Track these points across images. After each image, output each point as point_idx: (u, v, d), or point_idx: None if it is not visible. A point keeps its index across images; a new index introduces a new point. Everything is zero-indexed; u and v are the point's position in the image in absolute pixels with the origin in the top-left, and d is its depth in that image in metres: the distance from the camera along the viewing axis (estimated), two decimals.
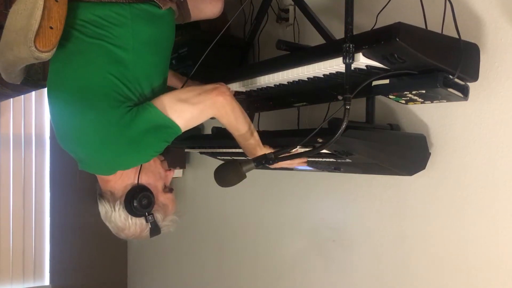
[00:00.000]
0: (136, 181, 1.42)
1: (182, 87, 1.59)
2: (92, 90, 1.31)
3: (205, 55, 1.51)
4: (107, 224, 1.45)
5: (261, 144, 1.48)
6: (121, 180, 1.41)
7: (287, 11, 2.20)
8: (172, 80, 1.75)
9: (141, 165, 1.43)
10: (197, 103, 1.35)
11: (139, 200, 1.39)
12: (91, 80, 1.32)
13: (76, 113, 1.34)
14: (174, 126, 1.32)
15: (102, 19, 1.33)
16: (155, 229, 1.46)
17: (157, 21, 1.41)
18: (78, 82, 1.33)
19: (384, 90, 1.37)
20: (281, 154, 1.37)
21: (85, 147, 1.36)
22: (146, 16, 1.38)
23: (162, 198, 1.47)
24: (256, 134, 1.47)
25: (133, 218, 1.41)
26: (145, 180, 1.43)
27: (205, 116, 1.39)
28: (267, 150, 1.47)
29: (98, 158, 1.37)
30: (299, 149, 1.40)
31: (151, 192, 1.43)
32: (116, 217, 1.41)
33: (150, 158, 1.40)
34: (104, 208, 1.43)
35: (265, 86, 1.67)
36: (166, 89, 1.47)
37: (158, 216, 1.45)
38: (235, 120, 1.42)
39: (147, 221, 1.43)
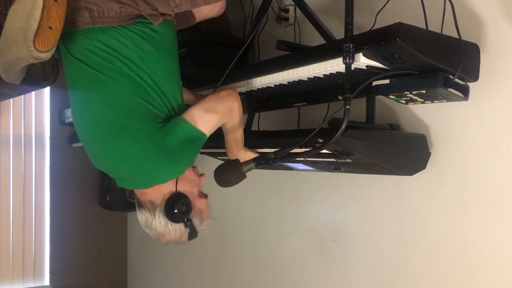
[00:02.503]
0: (174, 189, 1.44)
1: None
2: (122, 114, 1.36)
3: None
4: (147, 231, 1.49)
5: (243, 146, 1.59)
6: (159, 190, 1.44)
7: (287, 11, 2.20)
8: None
9: None
10: (220, 112, 1.43)
11: (178, 207, 1.43)
12: (118, 105, 1.36)
13: (111, 138, 1.38)
14: (203, 135, 1.40)
15: (106, 45, 1.36)
16: (193, 233, 1.50)
17: (155, 36, 1.43)
18: (106, 109, 1.37)
19: (384, 90, 1.37)
20: (280, 154, 1.38)
21: (124, 168, 1.41)
22: (144, 34, 1.40)
23: (198, 203, 1.51)
24: (243, 137, 1.57)
25: (173, 224, 1.45)
26: (182, 187, 1.46)
27: (223, 121, 1.47)
28: (248, 152, 1.59)
29: (137, 175, 1.42)
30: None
31: (188, 199, 1.46)
32: (157, 224, 1.45)
33: (184, 170, 1.44)
34: (144, 217, 1.46)
35: (265, 86, 1.66)
36: (182, 96, 1.50)
37: (196, 221, 1.49)
38: (238, 124, 1.51)
39: (186, 226, 1.47)
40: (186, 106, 1.47)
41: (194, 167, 1.54)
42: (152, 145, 1.35)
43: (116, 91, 1.36)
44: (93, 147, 1.46)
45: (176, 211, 1.42)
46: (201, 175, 1.55)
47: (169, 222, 1.44)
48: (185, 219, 1.46)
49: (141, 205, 1.48)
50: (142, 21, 1.40)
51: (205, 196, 1.56)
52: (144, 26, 1.40)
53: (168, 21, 1.49)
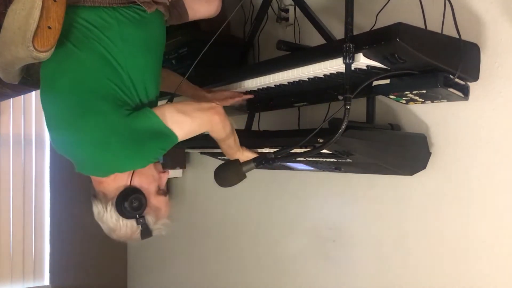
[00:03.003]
0: (128, 183, 1.40)
1: (177, 87, 1.61)
2: (91, 94, 1.31)
3: (202, 54, 1.52)
4: (100, 224, 1.45)
5: (240, 148, 1.56)
6: (114, 182, 1.40)
7: (287, 11, 2.20)
8: (171, 78, 1.74)
9: None
10: (196, 118, 1.39)
11: (130, 202, 1.37)
12: (88, 84, 1.32)
13: (75, 117, 1.33)
14: (173, 135, 1.33)
15: (89, 23, 1.33)
16: (146, 232, 1.43)
17: (144, 23, 1.40)
18: (76, 87, 1.33)
19: (384, 90, 1.37)
20: (280, 154, 1.38)
21: (84, 150, 1.35)
22: (132, 19, 1.37)
23: (155, 201, 1.45)
24: (237, 140, 1.54)
25: (124, 219, 1.40)
26: (137, 182, 1.41)
27: (200, 130, 1.43)
28: (245, 152, 1.57)
29: (96, 160, 1.37)
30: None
31: (143, 194, 1.41)
32: (108, 218, 1.41)
33: (146, 164, 1.40)
34: (97, 209, 1.43)
35: (265, 86, 1.66)
36: (158, 92, 1.47)
37: (149, 219, 1.43)
38: (225, 136, 1.48)
39: (138, 223, 1.41)
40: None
41: (156, 163, 1.48)
42: (116, 130, 1.29)
43: (88, 69, 1.32)
44: (56, 126, 1.40)
45: (126, 206, 1.37)
46: (164, 171, 1.49)
47: (120, 218, 1.39)
48: (137, 216, 1.40)
49: (95, 196, 1.43)
50: (134, 7, 1.37)
51: (164, 193, 1.48)
52: (135, 12, 1.38)
53: (160, 13, 1.47)
